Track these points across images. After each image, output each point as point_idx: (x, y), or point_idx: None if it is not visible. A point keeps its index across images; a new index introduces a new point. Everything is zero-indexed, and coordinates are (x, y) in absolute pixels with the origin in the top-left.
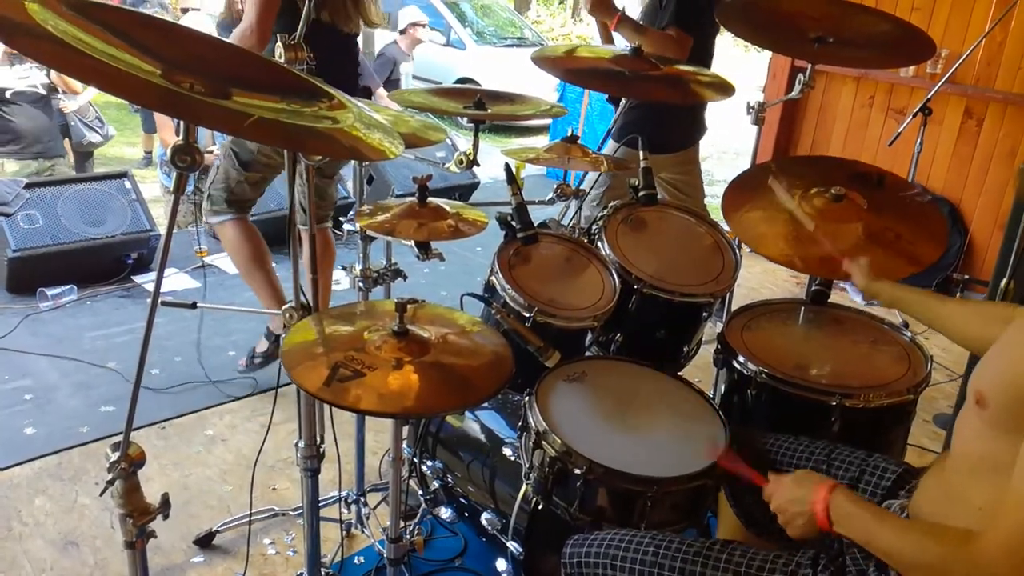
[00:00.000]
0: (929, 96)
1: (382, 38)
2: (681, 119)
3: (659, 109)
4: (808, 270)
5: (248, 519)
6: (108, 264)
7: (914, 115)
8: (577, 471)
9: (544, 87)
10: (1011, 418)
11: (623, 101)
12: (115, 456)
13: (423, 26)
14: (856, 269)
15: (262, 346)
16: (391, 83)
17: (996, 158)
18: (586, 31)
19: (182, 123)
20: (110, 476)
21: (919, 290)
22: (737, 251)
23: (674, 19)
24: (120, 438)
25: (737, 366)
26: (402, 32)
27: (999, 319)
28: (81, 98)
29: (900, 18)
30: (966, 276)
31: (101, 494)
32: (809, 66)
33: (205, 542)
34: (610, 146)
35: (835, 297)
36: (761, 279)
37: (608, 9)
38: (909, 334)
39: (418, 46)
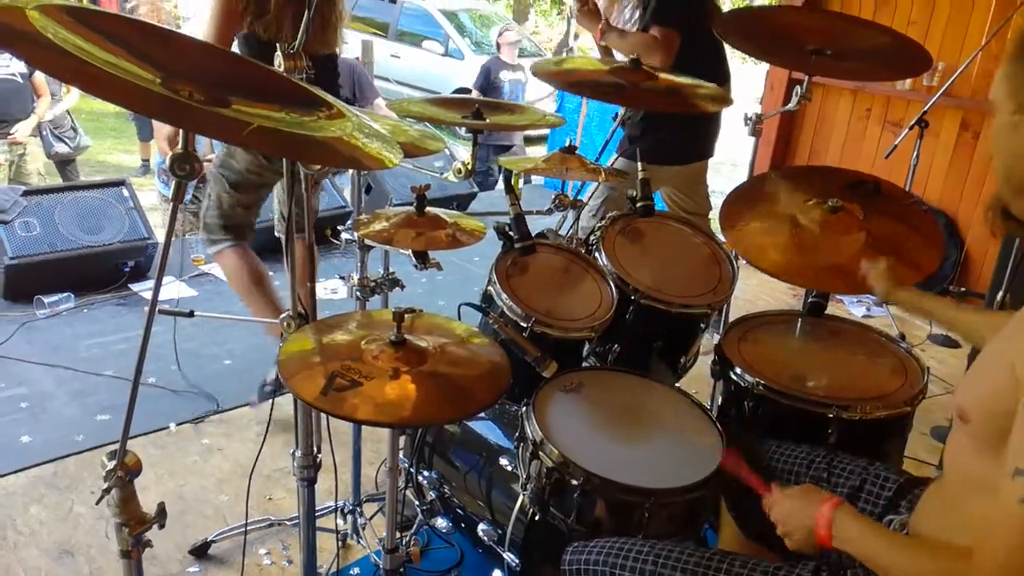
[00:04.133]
0: (925, 109)
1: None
2: (686, 132)
3: (666, 119)
4: (805, 283)
5: (244, 529)
6: (105, 272)
7: (911, 128)
8: (574, 482)
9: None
10: (991, 432)
11: (619, 115)
12: (111, 464)
13: (508, 30)
14: (875, 274)
15: (272, 375)
16: (492, 90)
17: (992, 171)
18: (583, 42)
19: (181, 132)
20: (106, 485)
21: (936, 297)
22: (734, 262)
23: (654, 17)
24: (116, 446)
25: (734, 377)
26: (498, 47)
27: (997, 328)
28: (59, 107)
29: (897, 31)
30: (962, 288)
31: (97, 503)
32: (806, 78)
33: (201, 552)
34: (614, 158)
35: (832, 309)
36: (758, 291)
37: (594, 19)
38: (905, 346)
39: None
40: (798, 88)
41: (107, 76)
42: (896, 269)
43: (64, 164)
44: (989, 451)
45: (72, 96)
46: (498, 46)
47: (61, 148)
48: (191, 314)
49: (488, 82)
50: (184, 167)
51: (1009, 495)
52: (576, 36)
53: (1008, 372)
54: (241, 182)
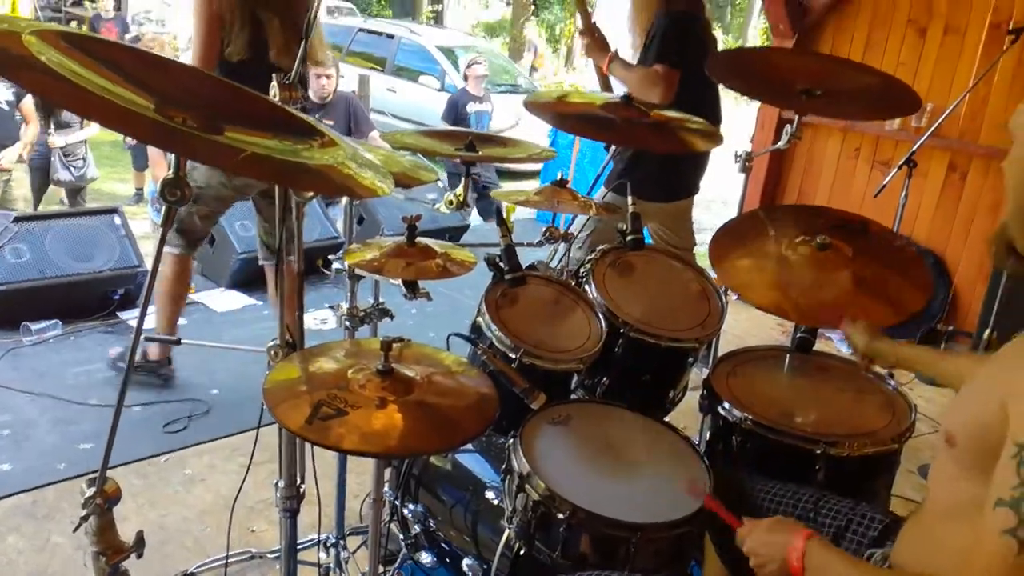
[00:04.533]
0: (914, 149)
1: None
2: (673, 169)
3: (653, 156)
4: (794, 318)
5: (225, 561)
6: (94, 300)
7: (899, 168)
8: (560, 515)
9: (536, 132)
10: (978, 457)
11: (611, 149)
12: (90, 491)
13: (478, 63)
14: (855, 332)
15: (117, 351)
16: (459, 122)
17: (980, 211)
18: (578, 79)
19: (173, 158)
20: (84, 512)
21: (917, 348)
22: (723, 297)
23: (657, 56)
24: (97, 475)
25: (722, 412)
26: (465, 78)
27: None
28: (74, 136)
29: (886, 72)
30: (951, 327)
31: (75, 530)
32: (796, 117)
33: None
34: (601, 192)
35: (820, 345)
36: (747, 327)
37: (601, 50)
38: (893, 383)
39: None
40: (788, 127)
41: (100, 100)
42: (880, 308)
43: (74, 193)
44: (974, 476)
45: (92, 128)
46: (466, 77)
47: (64, 176)
48: (178, 342)
49: (456, 114)
50: (175, 192)
51: (991, 526)
52: (534, 69)
53: (998, 407)
54: (200, 195)
